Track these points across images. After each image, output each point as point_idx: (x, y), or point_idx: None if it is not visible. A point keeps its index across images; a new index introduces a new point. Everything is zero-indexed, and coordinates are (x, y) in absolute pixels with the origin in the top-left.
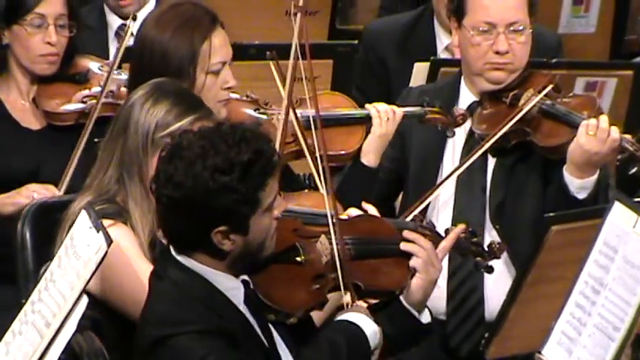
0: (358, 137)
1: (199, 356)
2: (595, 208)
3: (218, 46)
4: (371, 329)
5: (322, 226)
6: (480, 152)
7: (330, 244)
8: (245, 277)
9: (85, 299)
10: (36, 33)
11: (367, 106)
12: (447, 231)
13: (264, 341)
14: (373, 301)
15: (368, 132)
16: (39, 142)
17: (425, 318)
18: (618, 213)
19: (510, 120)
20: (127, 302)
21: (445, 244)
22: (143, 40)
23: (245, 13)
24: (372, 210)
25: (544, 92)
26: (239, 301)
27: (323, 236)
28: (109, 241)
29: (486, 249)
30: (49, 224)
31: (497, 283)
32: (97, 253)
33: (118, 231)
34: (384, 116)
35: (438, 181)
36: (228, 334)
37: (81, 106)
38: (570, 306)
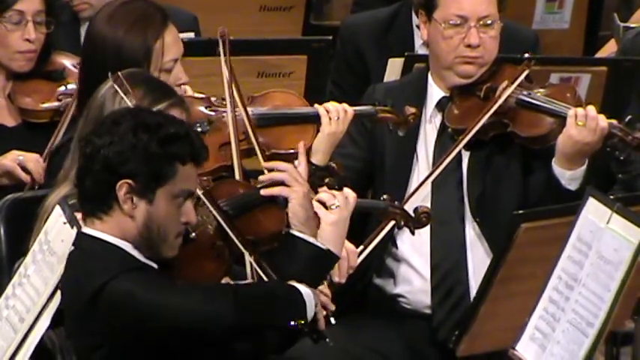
0: (309, 136)
1: (139, 293)
2: (565, 206)
3: (170, 44)
4: (305, 289)
5: None
6: (462, 144)
7: (209, 213)
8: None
9: (58, 295)
10: (14, 30)
11: (316, 105)
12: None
13: None
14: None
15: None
16: (14, 139)
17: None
18: (592, 209)
19: (488, 110)
20: None
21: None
22: (95, 37)
23: (220, 9)
24: (349, 192)
25: (520, 79)
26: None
27: (199, 209)
28: None
29: (412, 214)
30: (24, 219)
31: (481, 273)
32: (70, 249)
33: None
34: (334, 115)
35: (420, 177)
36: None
37: (56, 103)
38: (544, 302)
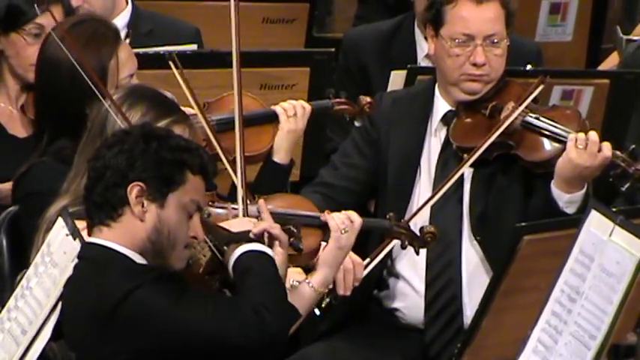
0: (269, 136)
1: (162, 305)
2: (567, 219)
3: (124, 60)
4: (268, 249)
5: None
6: (465, 166)
7: (204, 245)
8: None
9: (60, 307)
10: (34, 43)
11: (273, 105)
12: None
13: None
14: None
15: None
16: (24, 150)
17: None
18: (595, 221)
19: (495, 132)
20: None
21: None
22: (50, 59)
23: (223, 22)
24: (355, 216)
25: (528, 100)
26: None
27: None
28: None
29: (418, 234)
30: (26, 231)
31: (476, 292)
32: (73, 261)
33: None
34: (291, 112)
35: (422, 191)
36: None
37: None
38: (547, 314)
